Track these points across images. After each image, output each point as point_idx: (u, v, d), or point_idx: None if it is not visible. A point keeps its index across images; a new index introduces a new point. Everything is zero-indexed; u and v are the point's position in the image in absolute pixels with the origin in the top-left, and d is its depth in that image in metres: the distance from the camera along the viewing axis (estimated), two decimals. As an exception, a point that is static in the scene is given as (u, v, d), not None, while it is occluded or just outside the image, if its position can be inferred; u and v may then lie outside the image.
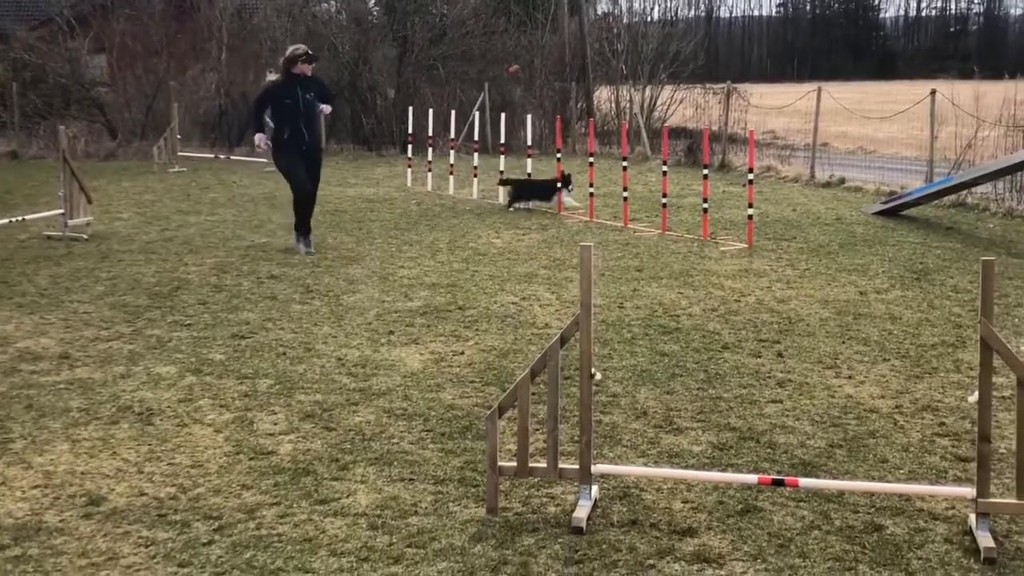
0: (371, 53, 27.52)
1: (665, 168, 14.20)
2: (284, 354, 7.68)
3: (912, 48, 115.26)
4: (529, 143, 17.30)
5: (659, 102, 28.79)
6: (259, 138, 12.08)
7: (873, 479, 5.34)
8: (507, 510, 4.96)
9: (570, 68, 29.33)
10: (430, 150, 18.68)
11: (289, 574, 4.34)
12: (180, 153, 22.27)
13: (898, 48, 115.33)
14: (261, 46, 28.35)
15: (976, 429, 4.61)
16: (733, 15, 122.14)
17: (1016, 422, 4.56)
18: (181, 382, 7.00)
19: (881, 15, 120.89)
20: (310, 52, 11.65)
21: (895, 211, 14.61)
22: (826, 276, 10.41)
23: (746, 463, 5.56)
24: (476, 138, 18.90)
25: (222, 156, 23.64)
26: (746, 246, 12.15)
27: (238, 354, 7.69)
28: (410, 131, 19.70)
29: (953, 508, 4.95)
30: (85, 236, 12.85)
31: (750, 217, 12.55)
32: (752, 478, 5.04)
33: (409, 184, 18.68)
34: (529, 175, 16.34)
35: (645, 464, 5.56)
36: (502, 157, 16.99)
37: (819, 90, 20.25)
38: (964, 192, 15.07)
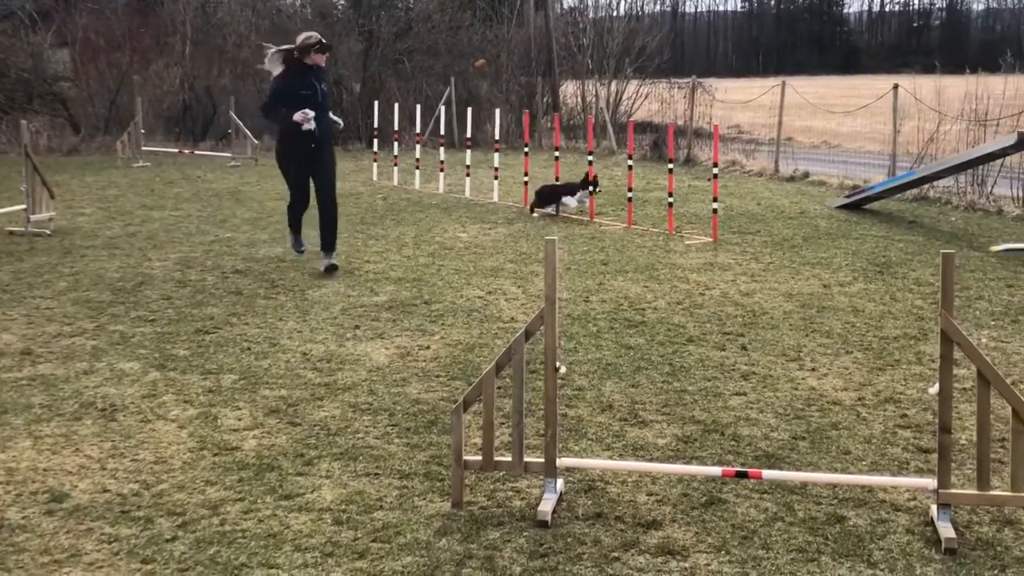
0: (336, 47, 27.41)
1: (631, 162, 14.23)
2: (249, 349, 7.65)
3: (876, 43, 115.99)
4: (496, 137, 17.28)
5: (625, 96, 28.90)
6: (301, 115, 9.93)
7: (836, 471, 5.38)
8: (472, 504, 4.96)
9: (536, 62, 29.36)
10: (396, 144, 18.64)
11: (253, 570, 4.33)
12: (144, 148, 22.11)
13: (862, 43, 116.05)
14: (225, 40, 28.19)
15: (937, 421, 4.65)
16: (698, 10, 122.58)
17: (976, 413, 4.60)
18: (145, 378, 6.96)
19: (845, 10, 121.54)
20: (324, 40, 10.33)
21: (858, 205, 14.72)
22: (790, 269, 10.48)
23: (710, 455, 5.59)
24: (442, 132, 18.87)
25: (186, 151, 23.50)
26: (711, 240, 12.21)
27: (202, 349, 7.65)
28: (376, 125, 19.65)
29: (915, 499, 5.00)
30: (48, 231, 12.74)
31: (715, 211, 12.62)
32: (716, 470, 5.06)
33: (375, 179, 18.63)
34: (557, 179, 15.49)
35: (610, 457, 5.58)
36: (468, 152, 16.98)
37: (783, 84, 20.36)
38: (926, 186, 15.21)
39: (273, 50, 10.27)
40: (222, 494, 5.08)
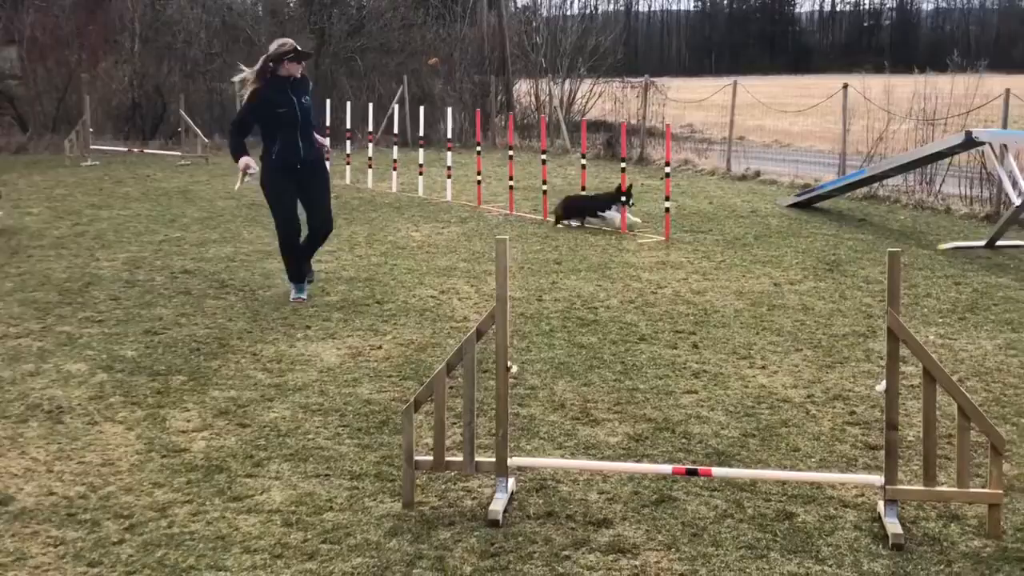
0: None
1: (584, 161, 14.26)
2: (198, 350, 7.58)
3: (827, 43, 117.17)
4: (449, 136, 17.27)
5: (578, 95, 28.96)
6: (248, 161, 8.90)
7: (785, 468, 5.41)
8: (423, 504, 4.95)
9: (489, 61, 29.36)
10: (348, 143, 18.56)
11: (201, 572, 4.29)
12: (93, 146, 21.86)
13: (813, 43, 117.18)
14: (175, 38, 27.95)
15: (885, 417, 4.69)
16: (651, 9, 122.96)
17: (923, 410, 4.65)
18: (92, 379, 6.88)
19: (797, 10, 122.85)
20: (299, 48, 8.96)
21: (809, 203, 14.84)
22: (741, 268, 10.54)
23: (661, 453, 5.60)
24: (395, 131, 18.83)
25: (136, 149, 23.27)
26: (663, 239, 12.26)
27: (151, 350, 7.57)
28: (328, 124, 19.54)
29: (862, 495, 5.04)
30: (-7, 231, 12.57)
31: (667, 210, 12.66)
32: (666, 468, 5.08)
33: (327, 177, 18.51)
34: (583, 188, 14.58)
35: (562, 456, 5.58)
36: (421, 150, 16.94)
37: (735, 84, 20.49)
38: (876, 184, 15.36)
39: (243, 74, 9.07)
40: (170, 496, 5.02)
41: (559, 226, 13.34)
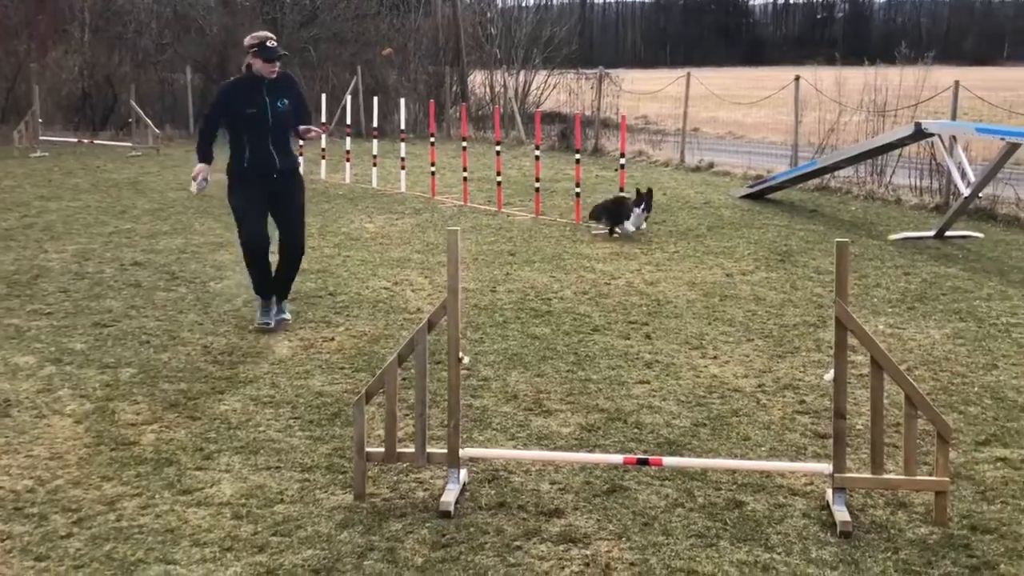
0: (240, 35, 27.07)
1: (538, 153, 14.26)
2: (148, 342, 7.51)
3: (780, 35, 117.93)
4: (403, 127, 17.20)
5: (533, 87, 28.94)
6: (201, 170, 7.87)
7: (735, 457, 5.45)
8: (375, 496, 4.93)
9: (444, 52, 29.28)
10: (302, 134, 18.40)
11: (150, 566, 4.25)
12: (42, 137, 21.59)
13: (767, 35, 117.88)
14: (125, 28, 27.66)
15: (833, 406, 4.73)
16: (607, 0, 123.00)
17: (871, 399, 4.69)
18: (40, 372, 6.79)
19: (751, 2, 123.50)
20: (271, 44, 7.80)
21: (761, 195, 14.93)
22: (694, 259, 10.59)
23: (613, 443, 5.62)
24: (349, 122, 18.73)
25: (86, 140, 22.99)
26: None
27: (100, 343, 7.49)
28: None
29: (811, 484, 5.08)
30: (-61, 223, 12.39)
31: (621, 201, 12.67)
32: (618, 458, 5.10)
33: (281, 169, 18.39)
34: (622, 190, 13.28)
35: (515, 447, 5.59)
36: (375, 141, 16.87)
37: (688, 76, 20.55)
38: (827, 176, 15.47)
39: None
40: (119, 489, 4.98)
41: (593, 232, 12.09)
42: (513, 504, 4.84)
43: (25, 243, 11.34)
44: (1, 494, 4.92)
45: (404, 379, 5.90)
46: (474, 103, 28.17)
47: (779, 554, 4.37)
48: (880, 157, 15.30)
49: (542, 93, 28.70)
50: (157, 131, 21.88)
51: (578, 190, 13.23)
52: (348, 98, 20.33)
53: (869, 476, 4.73)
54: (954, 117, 14.32)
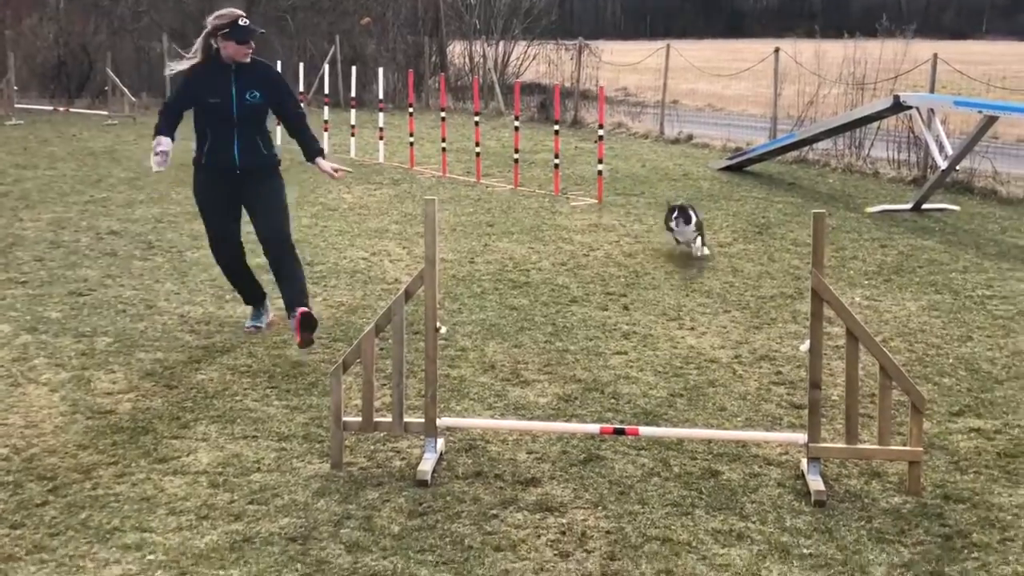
0: (217, 3, 26.82)
1: (518, 124, 14.23)
2: (124, 311, 7.48)
3: (761, 7, 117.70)
4: (381, 97, 17.12)
5: (512, 58, 28.82)
6: (161, 142, 6.81)
7: (711, 427, 5.48)
8: (352, 465, 4.94)
9: (423, 22, 29.13)
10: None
11: (126, 533, 4.25)
12: (17, 105, 21.44)
13: (747, 7, 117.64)
14: (102, -6, 27.42)
15: (808, 377, 4.76)
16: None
17: (846, 369, 4.72)
18: (15, 341, 6.76)
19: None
20: (243, 22, 6.70)
21: (740, 167, 14.95)
22: (672, 230, 10.58)
23: (590, 413, 5.64)
24: (327, 92, 18.63)
25: (61, 108, 22.81)
26: (596, 201, 12.28)
27: (76, 312, 7.45)
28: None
29: (786, 453, 5.11)
30: (-87, 191, 12.27)
31: (600, 173, 12.68)
32: (594, 428, 5.11)
33: (258, 138, 18.29)
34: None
35: (492, 416, 5.60)
36: (353, 111, 16.79)
37: (667, 47, 20.51)
38: (806, 148, 15.49)
39: (183, 61, 6.98)
40: (95, 458, 4.97)
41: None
42: (490, 473, 4.86)
43: (0, 211, 11.25)
44: (-24, 462, 4.90)
45: (381, 349, 5.91)
46: (453, 73, 28.05)
47: (754, 523, 4.40)
48: (859, 130, 15.32)
49: (521, 64, 28.58)
50: (133, 99, 21.74)
51: (557, 161, 13.22)
52: (326, 68, 20.20)
53: (843, 446, 4.76)
54: (932, 90, 14.35)
